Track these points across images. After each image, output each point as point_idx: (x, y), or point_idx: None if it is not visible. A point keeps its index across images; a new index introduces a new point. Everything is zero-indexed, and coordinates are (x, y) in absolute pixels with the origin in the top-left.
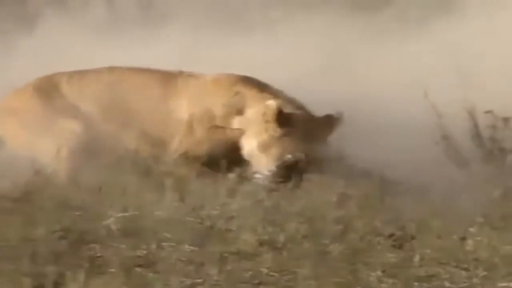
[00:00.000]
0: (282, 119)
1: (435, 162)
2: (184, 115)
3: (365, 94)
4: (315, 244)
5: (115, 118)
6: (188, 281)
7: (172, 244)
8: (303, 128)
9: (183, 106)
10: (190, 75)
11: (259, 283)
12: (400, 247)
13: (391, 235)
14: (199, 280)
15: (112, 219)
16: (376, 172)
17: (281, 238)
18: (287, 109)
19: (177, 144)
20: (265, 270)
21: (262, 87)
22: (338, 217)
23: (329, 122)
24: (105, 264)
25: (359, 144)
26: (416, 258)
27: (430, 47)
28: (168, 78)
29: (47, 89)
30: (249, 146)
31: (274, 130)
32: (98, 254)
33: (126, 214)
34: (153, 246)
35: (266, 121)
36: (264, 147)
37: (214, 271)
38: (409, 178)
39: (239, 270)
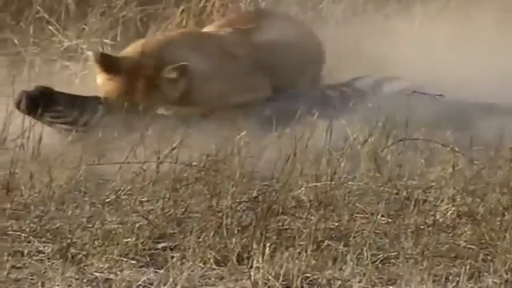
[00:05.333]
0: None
1: None
2: None
3: None
4: None
5: None
6: (382, 255)
7: (366, 215)
8: None
9: None
10: None
11: (456, 257)
12: None
13: None
14: (393, 254)
15: (303, 189)
16: None
17: (481, 209)
18: None
19: None
20: (463, 243)
21: None
22: None
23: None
24: (293, 236)
25: None
26: None
27: None
28: None
29: None
30: None
31: None
32: (287, 226)
33: (318, 184)
34: (346, 217)
35: None
36: None
37: (409, 244)
38: None
39: (435, 243)
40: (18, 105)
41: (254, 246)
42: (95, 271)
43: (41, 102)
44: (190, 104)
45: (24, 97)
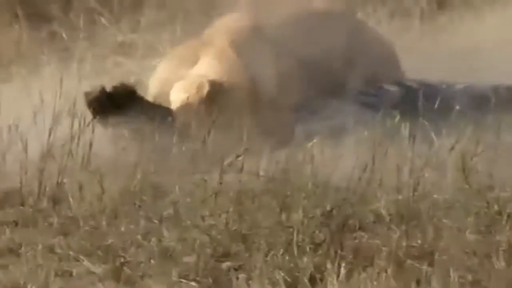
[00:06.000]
0: None
1: None
2: None
3: None
4: None
5: None
6: (471, 276)
7: (453, 232)
8: None
9: None
10: None
11: None
12: None
13: None
14: (483, 275)
15: (382, 202)
16: None
17: None
18: None
19: None
20: None
21: None
22: None
23: None
24: (372, 255)
25: None
26: None
27: None
28: None
29: None
30: None
31: None
32: (364, 244)
33: (400, 196)
34: (430, 234)
35: None
36: None
37: (501, 264)
38: None
39: None
40: (91, 103)
41: (328, 265)
42: None
43: (116, 103)
44: None
45: (100, 96)
